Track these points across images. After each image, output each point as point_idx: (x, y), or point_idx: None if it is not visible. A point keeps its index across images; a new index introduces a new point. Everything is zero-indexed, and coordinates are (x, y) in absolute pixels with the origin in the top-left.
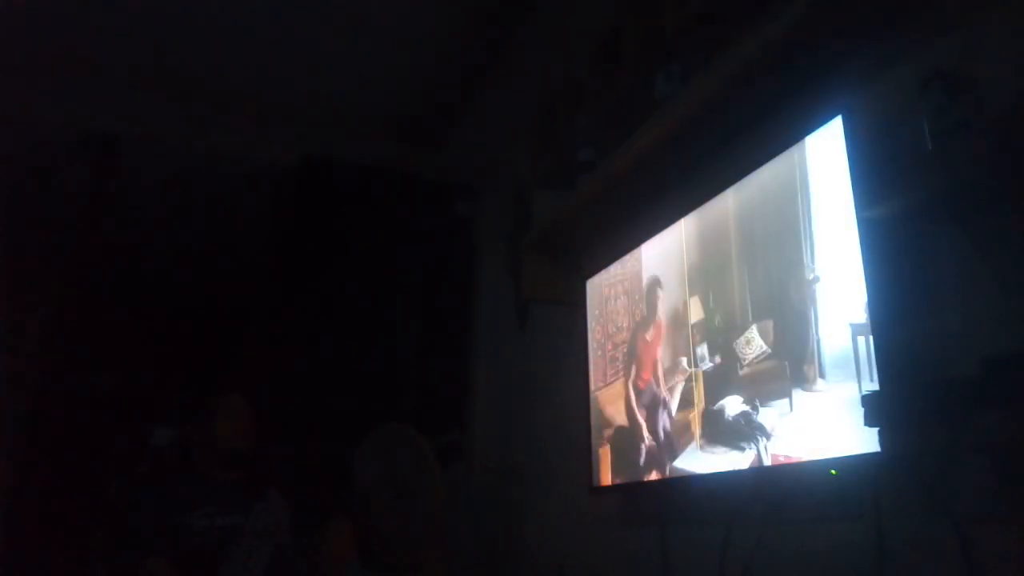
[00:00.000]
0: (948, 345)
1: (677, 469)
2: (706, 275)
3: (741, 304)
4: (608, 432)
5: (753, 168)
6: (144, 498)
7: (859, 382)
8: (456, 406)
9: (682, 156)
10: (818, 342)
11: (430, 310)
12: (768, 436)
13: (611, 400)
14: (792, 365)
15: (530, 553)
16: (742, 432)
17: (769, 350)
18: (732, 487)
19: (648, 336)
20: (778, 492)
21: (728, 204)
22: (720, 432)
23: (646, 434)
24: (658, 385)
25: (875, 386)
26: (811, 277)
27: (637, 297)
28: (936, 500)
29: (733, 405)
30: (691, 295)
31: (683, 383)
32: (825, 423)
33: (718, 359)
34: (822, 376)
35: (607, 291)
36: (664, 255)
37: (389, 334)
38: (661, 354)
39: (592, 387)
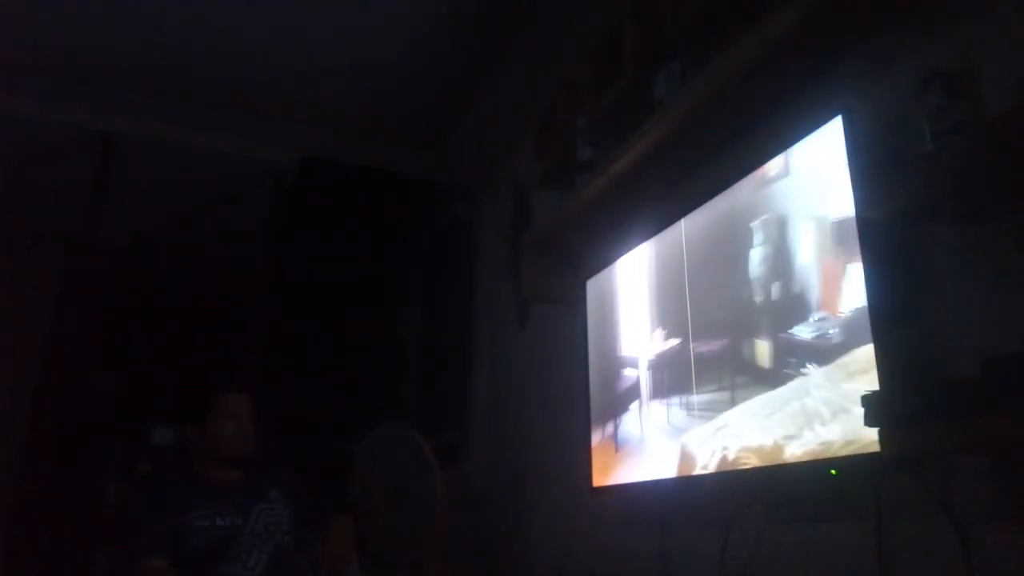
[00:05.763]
0: (948, 345)
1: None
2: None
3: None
4: None
5: (753, 168)
6: (144, 498)
7: None
8: (456, 406)
9: (682, 156)
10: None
11: (430, 310)
12: None
13: None
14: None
15: (530, 553)
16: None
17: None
18: (732, 487)
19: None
20: (778, 492)
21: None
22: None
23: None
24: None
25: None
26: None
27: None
28: (936, 500)
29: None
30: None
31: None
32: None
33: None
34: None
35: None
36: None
37: (389, 334)
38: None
39: None
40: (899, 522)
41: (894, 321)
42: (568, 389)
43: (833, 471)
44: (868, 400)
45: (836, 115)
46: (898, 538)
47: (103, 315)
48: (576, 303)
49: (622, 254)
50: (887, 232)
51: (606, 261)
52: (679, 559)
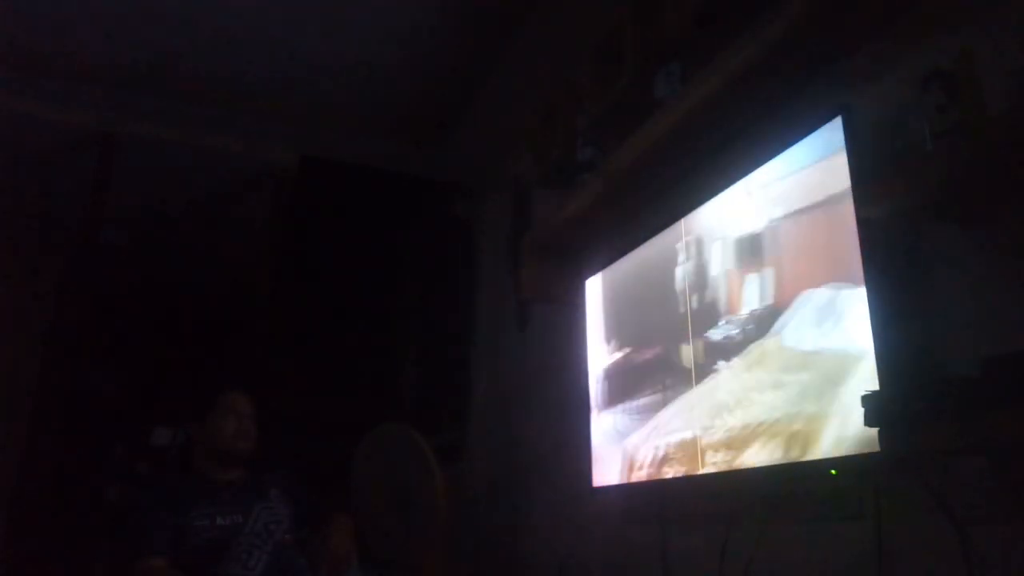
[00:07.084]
0: (948, 345)
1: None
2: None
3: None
4: None
5: (753, 168)
6: (144, 498)
7: None
8: (456, 406)
9: (682, 156)
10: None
11: (430, 310)
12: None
13: None
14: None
15: (530, 553)
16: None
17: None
18: (732, 487)
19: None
20: (778, 492)
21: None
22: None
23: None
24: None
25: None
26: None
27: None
28: (936, 500)
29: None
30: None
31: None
32: None
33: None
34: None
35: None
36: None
37: (389, 334)
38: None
39: None
40: (899, 522)
41: (894, 321)
42: (568, 389)
43: (833, 471)
44: (868, 400)
45: (836, 115)
46: (898, 538)
47: (103, 315)
48: (576, 303)
49: (622, 254)
50: (887, 232)
51: (606, 261)
52: (679, 559)
